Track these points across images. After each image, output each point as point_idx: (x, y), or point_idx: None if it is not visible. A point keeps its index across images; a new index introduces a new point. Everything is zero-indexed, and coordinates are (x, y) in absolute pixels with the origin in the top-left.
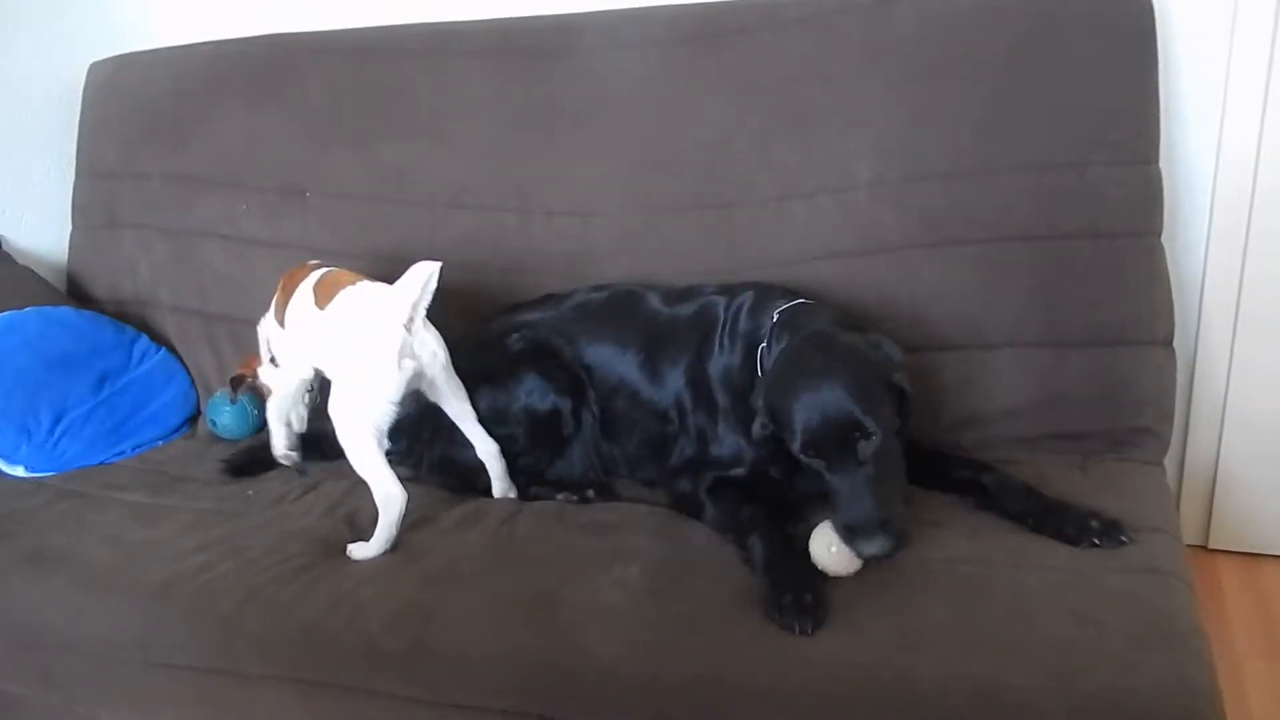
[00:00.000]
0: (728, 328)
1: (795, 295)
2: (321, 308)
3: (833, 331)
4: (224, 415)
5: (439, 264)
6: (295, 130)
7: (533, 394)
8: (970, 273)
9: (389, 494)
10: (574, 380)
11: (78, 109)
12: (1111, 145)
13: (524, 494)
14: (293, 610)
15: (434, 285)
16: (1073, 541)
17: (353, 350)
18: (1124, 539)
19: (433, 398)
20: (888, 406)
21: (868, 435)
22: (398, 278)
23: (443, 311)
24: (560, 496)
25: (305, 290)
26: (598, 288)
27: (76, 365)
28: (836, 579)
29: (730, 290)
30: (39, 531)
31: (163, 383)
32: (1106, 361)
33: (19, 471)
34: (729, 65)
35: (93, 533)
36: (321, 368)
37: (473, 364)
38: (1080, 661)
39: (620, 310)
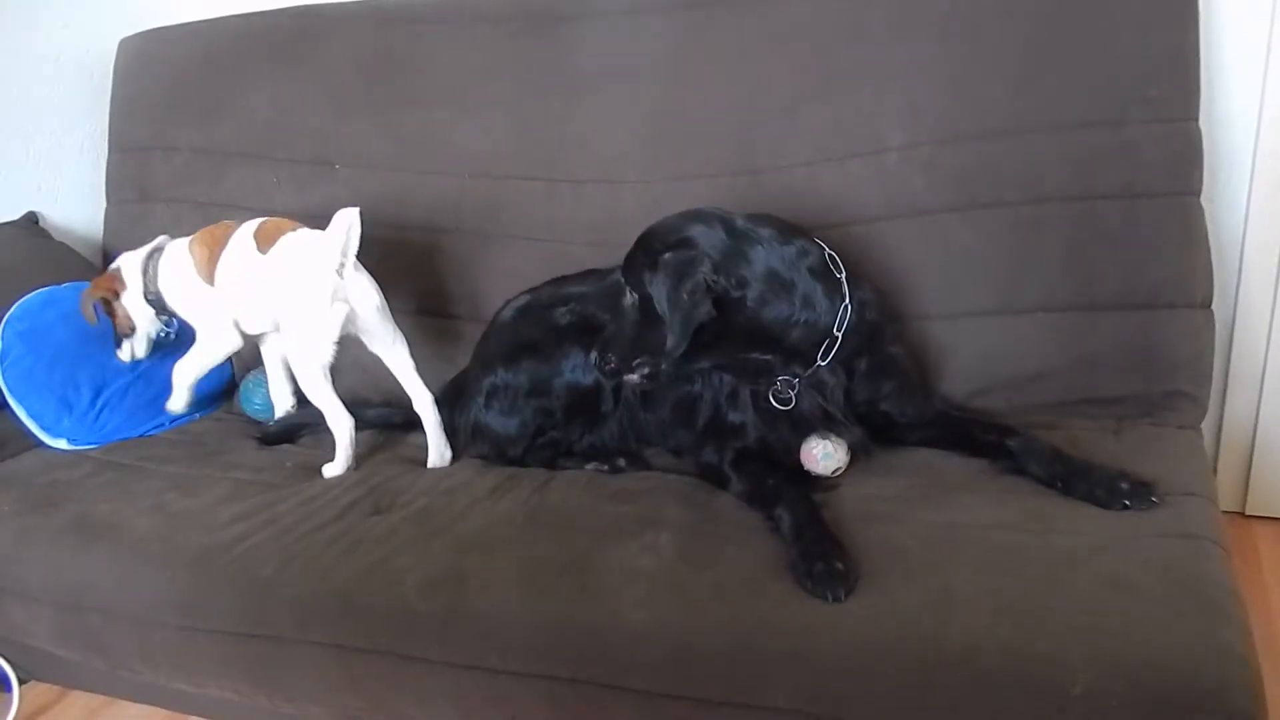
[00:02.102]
0: None
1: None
2: (265, 253)
3: (735, 220)
4: (259, 396)
5: (358, 209)
6: (322, 101)
7: (577, 369)
8: (1003, 236)
9: (339, 418)
10: None
11: (109, 85)
12: (1150, 102)
13: (552, 465)
14: (328, 576)
15: (358, 230)
16: (1103, 504)
17: (292, 294)
18: (1154, 499)
19: (367, 343)
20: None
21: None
22: (424, 248)
23: (474, 279)
24: (590, 466)
25: (243, 240)
26: None
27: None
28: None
29: None
30: (83, 501)
31: None
32: (1142, 324)
33: (62, 444)
34: (758, 27)
35: (134, 502)
36: (261, 315)
37: (517, 334)
38: (1112, 625)
39: None
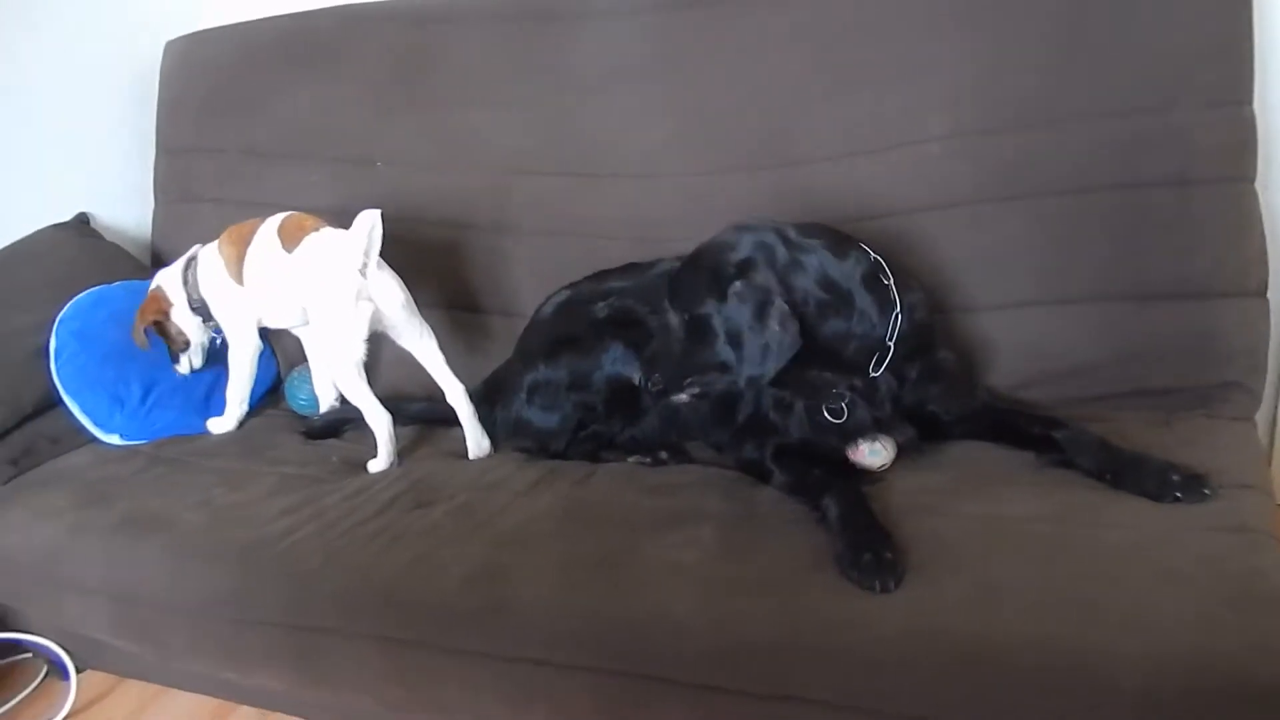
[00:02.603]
0: None
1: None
2: (289, 251)
3: (788, 231)
4: (304, 391)
5: (379, 211)
6: (361, 100)
7: (617, 362)
8: (1050, 225)
9: (376, 415)
10: None
11: (155, 88)
12: (1200, 87)
13: (594, 458)
14: (373, 570)
15: (379, 231)
16: (1154, 496)
17: (318, 294)
18: (1206, 491)
19: (395, 339)
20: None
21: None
22: (462, 244)
23: (511, 275)
24: (632, 459)
25: (266, 238)
26: (681, 257)
27: None
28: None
29: None
30: (135, 496)
31: None
32: (1194, 314)
33: (114, 439)
34: (795, 18)
35: (184, 497)
36: (289, 312)
37: (557, 329)
38: (1163, 621)
39: None
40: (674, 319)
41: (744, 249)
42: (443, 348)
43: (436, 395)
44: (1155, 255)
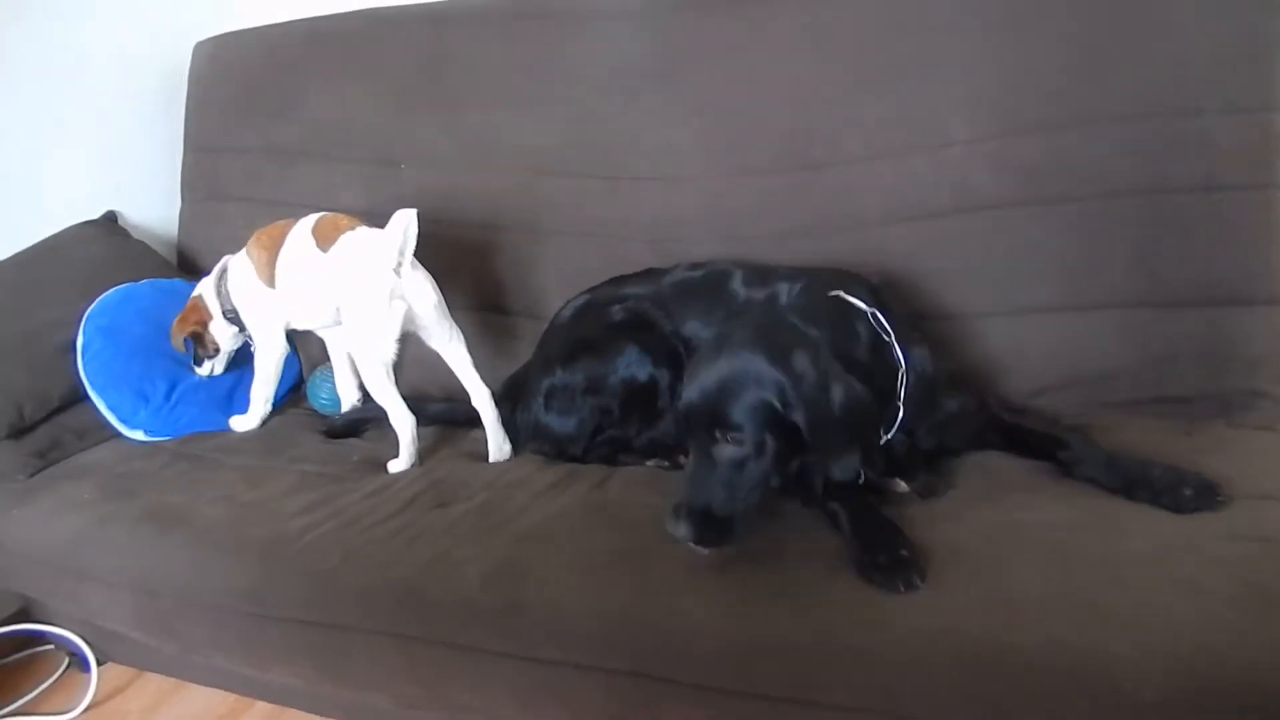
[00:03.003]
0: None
1: (851, 283)
2: (325, 250)
3: (788, 319)
4: (326, 391)
5: (415, 210)
6: (386, 101)
7: (631, 365)
8: (1072, 230)
9: (401, 416)
10: (672, 352)
11: (184, 88)
12: (1226, 92)
13: (612, 462)
14: (391, 567)
15: (414, 230)
16: (1168, 507)
17: (353, 293)
18: (1220, 499)
19: (425, 339)
20: (765, 425)
21: (734, 440)
22: (485, 245)
23: (533, 276)
24: (651, 463)
25: (302, 237)
26: (696, 265)
27: None
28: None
29: (799, 276)
30: (158, 490)
31: None
32: (1217, 321)
33: (139, 435)
34: (816, 20)
35: (206, 492)
36: (321, 312)
37: (574, 334)
38: (1183, 630)
39: (713, 289)
40: (693, 459)
41: (767, 383)
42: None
43: (457, 396)
44: (1179, 261)
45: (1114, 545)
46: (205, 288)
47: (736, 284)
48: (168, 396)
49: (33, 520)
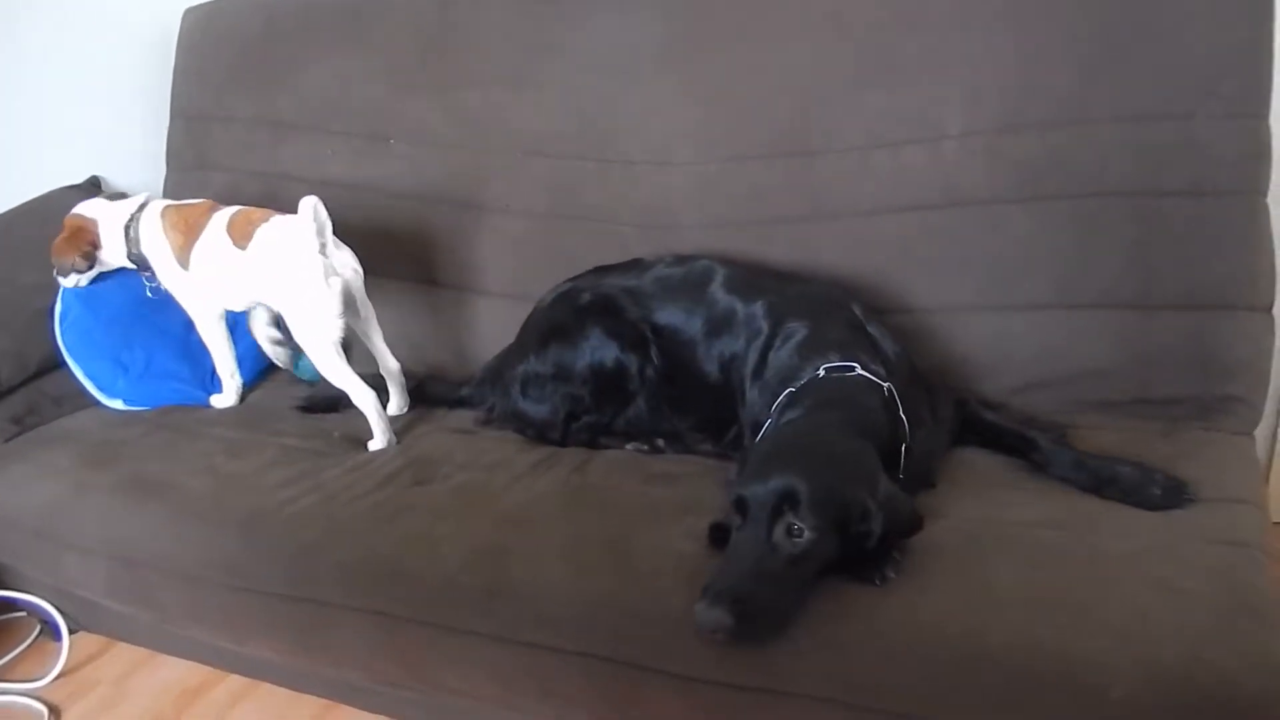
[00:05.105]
0: (771, 349)
1: (854, 348)
2: (244, 248)
3: (839, 427)
4: (306, 358)
5: (315, 198)
6: (380, 76)
7: (598, 350)
8: (1063, 228)
9: (361, 394)
10: (639, 337)
11: (172, 54)
12: (1220, 98)
13: (592, 445)
14: (372, 544)
15: (324, 212)
16: (1139, 505)
17: (285, 282)
18: (1188, 497)
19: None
20: (837, 523)
21: (796, 532)
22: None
23: (520, 260)
24: (630, 446)
25: (215, 234)
26: (679, 260)
27: (168, 304)
28: None
29: (787, 306)
30: (137, 460)
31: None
32: (1200, 325)
33: (118, 404)
34: (819, 8)
35: (186, 463)
36: (240, 300)
37: (549, 320)
38: (1157, 630)
39: (693, 287)
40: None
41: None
42: (450, 327)
43: (439, 374)
44: (1166, 264)
45: (1092, 545)
46: (103, 215)
47: (717, 287)
48: (147, 368)
49: (7, 486)
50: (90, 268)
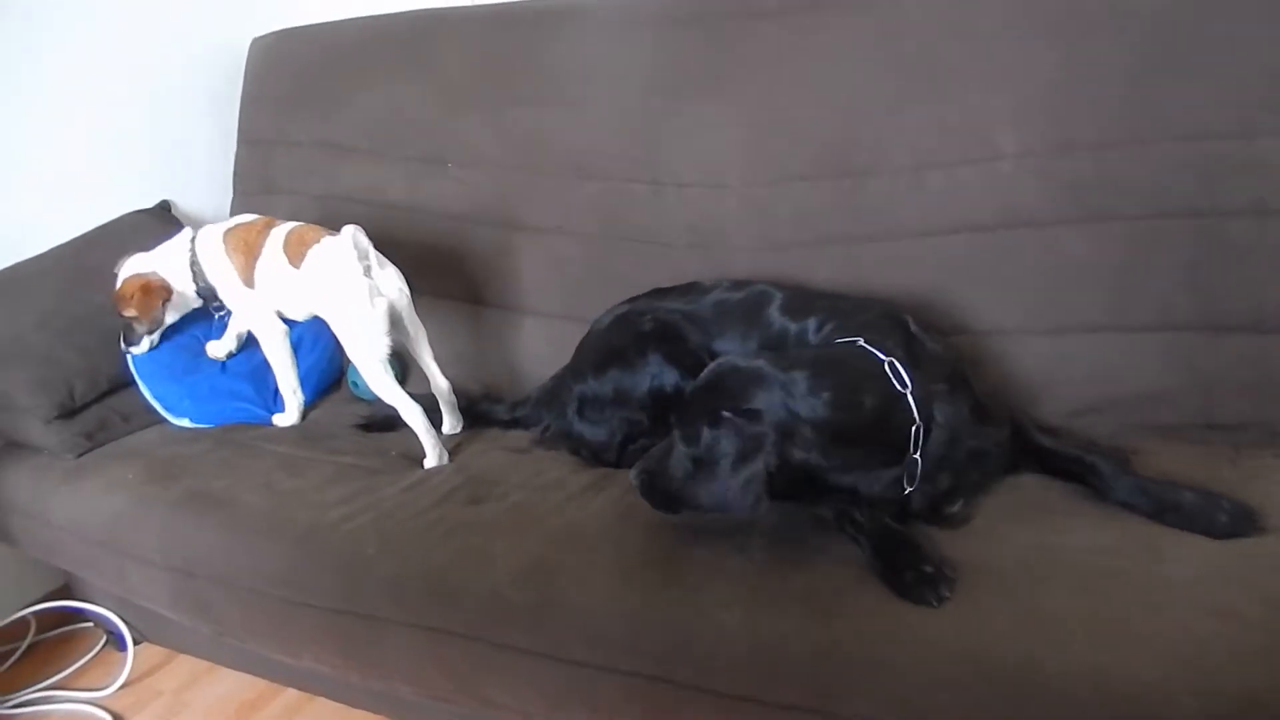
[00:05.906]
0: None
1: (888, 322)
2: (298, 268)
3: (788, 362)
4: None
5: (355, 225)
6: (436, 100)
7: (658, 375)
8: (1120, 250)
9: (409, 410)
10: (699, 365)
11: (240, 81)
12: None
13: None
14: (425, 561)
15: (364, 239)
16: (1205, 533)
17: (334, 301)
18: (1258, 525)
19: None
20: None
21: (734, 422)
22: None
23: (570, 280)
24: None
25: (273, 253)
26: (738, 284)
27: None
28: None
29: (839, 321)
30: (200, 475)
31: (310, 344)
32: (1267, 348)
33: (184, 422)
34: (866, 28)
35: (246, 479)
36: (300, 311)
37: (607, 343)
38: (1218, 658)
39: (750, 310)
40: (679, 447)
41: (752, 396)
42: (500, 346)
43: (494, 392)
44: (1228, 285)
45: (1152, 571)
46: (158, 263)
47: (774, 309)
48: (213, 390)
49: (78, 499)
50: (164, 322)
